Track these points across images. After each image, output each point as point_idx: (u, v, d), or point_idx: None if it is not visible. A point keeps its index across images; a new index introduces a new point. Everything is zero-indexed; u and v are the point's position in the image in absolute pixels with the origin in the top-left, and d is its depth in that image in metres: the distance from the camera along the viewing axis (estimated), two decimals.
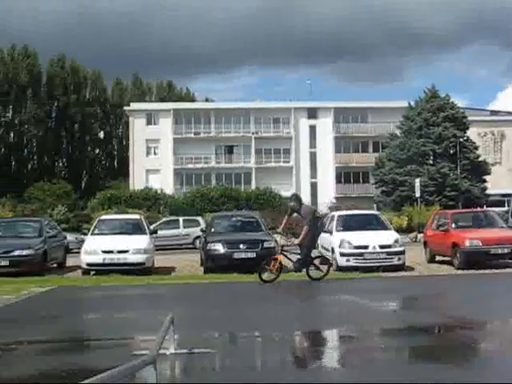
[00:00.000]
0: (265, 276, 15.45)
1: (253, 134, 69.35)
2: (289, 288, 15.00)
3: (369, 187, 65.31)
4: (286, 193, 61.60)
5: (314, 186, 69.28)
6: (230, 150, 70.30)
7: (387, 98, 75.44)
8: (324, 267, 16.26)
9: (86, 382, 2.08)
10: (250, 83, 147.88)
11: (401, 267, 18.86)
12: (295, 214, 16.64)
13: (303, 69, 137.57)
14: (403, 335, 8.88)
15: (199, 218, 38.19)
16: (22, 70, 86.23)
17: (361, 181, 69.09)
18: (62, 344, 8.43)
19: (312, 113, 70.28)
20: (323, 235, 22.04)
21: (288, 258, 16.15)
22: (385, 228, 20.60)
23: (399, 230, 26.91)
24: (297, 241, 15.86)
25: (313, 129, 70.07)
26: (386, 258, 18.89)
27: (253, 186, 63.16)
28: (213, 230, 21.06)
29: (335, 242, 19.60)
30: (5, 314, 11.34)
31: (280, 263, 15.55)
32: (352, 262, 18.91)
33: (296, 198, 16.70)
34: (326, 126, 69.22)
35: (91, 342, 8.61)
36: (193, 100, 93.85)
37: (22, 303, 12.92)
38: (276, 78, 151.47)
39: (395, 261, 18.91)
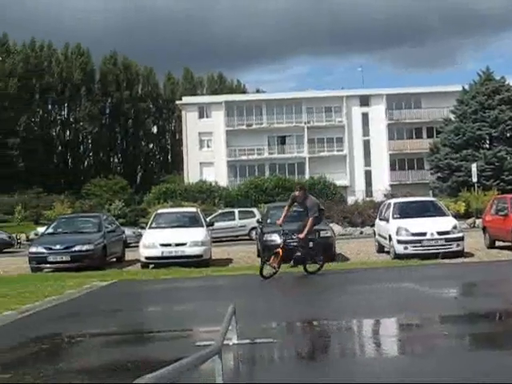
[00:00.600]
0: (265, 272, 14.51)
1: (305, 123, 69.15)
2: (345, 277, 14.94)
3: (424, 174, 64.54)
4: (340, 182, 61.47)
5: (368, 174, 68.79)
6: (282, 140, 70.26)
7: (441, 82, 74.48)
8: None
9: (156, 373, 2.13)
10: (300, 73, 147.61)
11: (460, 253, 18.63)
12: (295, 204, 15.87)
13: (354, 57, 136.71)
14: (465, 322, 8.77)
15: (254, 209, 38.32)
16: (75, 68, 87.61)
17: (415, 167, 68.29)
18: (125, 336, 8.57)
19: (364, 100, 69.71)
20: (380, 223, 21.90)
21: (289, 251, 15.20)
22: (443, 214, 20.34)
23: (457, 216, 26.54)
24: (302, 235, 14.99)
25: (365, 116, 69.51)
26: (444, 245, 18.67)
27: (307, 176, 63.05)
28: (269, 220, 21.07)
29: (392, 229, 19.44)
30: (68, 308, 11.58)
31: (281, 258, 14.74)
32: (410, 250, 18.74)
33: (301, 188, 15.79)
34: (378, 113, 68.59)
35: (153, 334, 8.72)
36: (244, 92, 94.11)
37: (84, 297, 13.17)
38: (327, 67, 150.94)
39: (454, 247, 18.69)
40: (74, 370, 6.53)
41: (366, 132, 69.48)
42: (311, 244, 16.00)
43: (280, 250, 14.72)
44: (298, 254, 15.20)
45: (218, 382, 5.00)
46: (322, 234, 19.28)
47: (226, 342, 6.38)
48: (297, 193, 15.38)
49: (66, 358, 7.15)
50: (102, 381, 6.12)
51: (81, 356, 7.22)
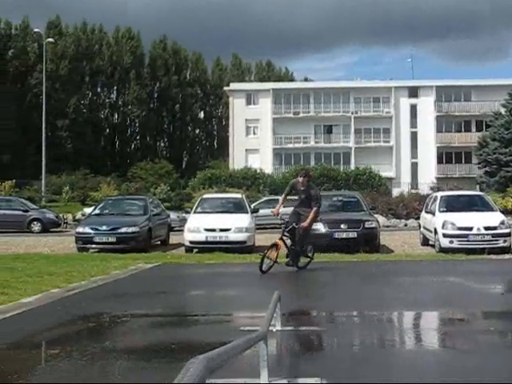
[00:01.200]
0: (264, 266, 13.15)
1: (352, 113, 68.74)
2: (389, 268, 14.85)
3: (471, 168, 63.68)
4: (386, 173, 60.99)
5: (414, 166, 68.12)
6: (329, 129, 69.96)
7: (492, 75, 73.29)
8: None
9: (208, 353, 2.15)
10: (349, 62, 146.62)
11: (507, 250, 18.36)
12: (293, 192, 14.12)
13: (404, 47, 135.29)
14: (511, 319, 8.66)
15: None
16: (125, 52, 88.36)
17: (463, 161, 67.44)
18: (169, 318, 8.66)
19: (413, 92, 68.93)
20: (425, 215, 21.69)
21: (285, 245, 13.80)
22: (490, 209, 20.08)
23: (504, 212, 26.13)
24: (305, 223, 13.30)
25: (413, 108, 68.77)
26: (491, 240, 18.44)
27: (352, 166, 62.72)
28: None
29: (438, 222, 19.25)
30: (114, 288, 11.73)
31: (279, 249, 13.41)
32: (455, 244, 18.55)
33: (307, 174, 13.94)
34: (427, 105, 67.81)
35: (197, 317, 8.79)
36: (292, 80, 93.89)
37: (129, 278, 13.34)
38: (376, 57, 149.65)
39: (501, 243, 18.44)
40: (119, 349, 6.63)
41: (413, 124, 68.76)
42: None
43: (279, 242, 13.39)
44: (294, 246, 13.65)
45: (263, 366, 5.03)
46: (367, 224, 19.20)
47: (270, 328, 6.41)
48: (300, 179, 13.61)
49: (111, 337, 7.26)
50: (146, 361, 6.20)
51: (126, 336, 7.33)
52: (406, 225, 36.04)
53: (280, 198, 14.57)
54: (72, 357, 6.28)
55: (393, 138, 68.36)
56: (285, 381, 5.16)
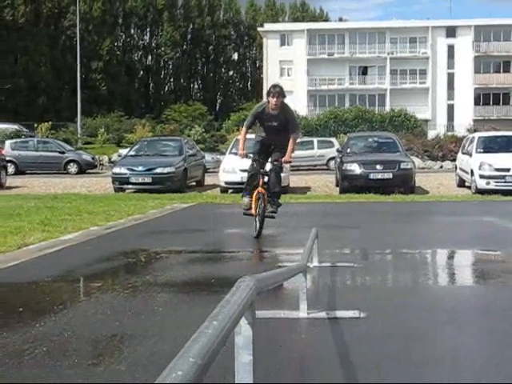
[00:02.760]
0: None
1: (388, 54, 67.70)
2: (424, 209, 14.83)
3: (509, 109, 62.73)
4: (421, 115, 60.29)
5: (450, 108, 67.21)
6: (364, 70, 69.10)
7: None
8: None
9: (254, 276, 2.21)
10: (385, 2, 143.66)
11: None
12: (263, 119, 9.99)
13: None
14: None
15: (333, 139, 38.15)
16: None
17: (501, 103, 66.30)
18: (207, 254, 8.80)
19: (450, 31, 67.53)
20: (462, 157, 21.51)
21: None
22: None
23: None
24: (286, 156, 9.88)
25: (451, 48, 67.47)
26: None
27: (387, 108, 62.06)
28: (349, 150, 21.00)
29: (475, 163, 19.10)
30: (152, 226, 11.92)
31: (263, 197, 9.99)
32: (492, 185, 18.42)
33: (280, 93, 9.61)
34: (465, 45, 66.47)
35: (235, 253, 8.92)
36: (326, 20, 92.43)
37: (166, 217, 13.53)
38: None
39: None
40: (159, 282, 6.77)
41: (450, 65, 67.55)
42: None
43: (261, 189, 9.88)
44: (271, 198, 10.12)
45: (302, 298, 5.12)
46: (403, 165, 19.13)
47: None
48: (274, 100, 9.55)
49: (151, 272, 7.40)
50: (186, 294, 6.34)
51: (165, 270, 7.47)
52: (441, 167, 35.84)
53: (240, 136, 10.68)
54: (114, 290, 6.44)
55: (429, 79, 67.34)
56: (323, 313, 5.24)
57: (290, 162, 10.18)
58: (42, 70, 74.68)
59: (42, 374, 4.04)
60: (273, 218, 10.11)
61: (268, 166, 10.05)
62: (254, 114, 10.00)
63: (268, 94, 9.73)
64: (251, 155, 10.13)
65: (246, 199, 10.24)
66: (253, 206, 9.92)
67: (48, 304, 5.93)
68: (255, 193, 9.88)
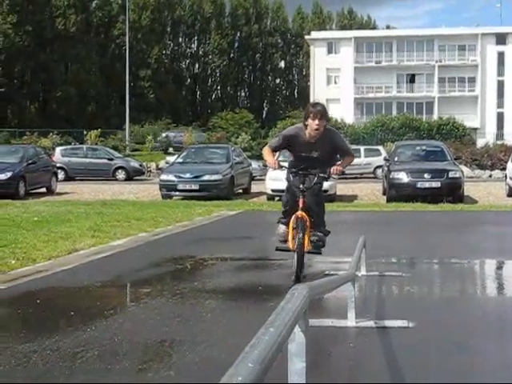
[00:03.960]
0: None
1: (436, 61, 67.06)
2: (474, 218, 14.63)
3: None
4: (470, 123, 59.48)
5: (500, 117, 66.21)
6: (412, 78, 68.56)
7: None
8: None
9: (307, 283, 2.23)
10: (434, 9, 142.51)
11: None
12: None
13: None
14: None
15: (380, 148, 37.91)
16: (206, 1, 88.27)
17: None
18: (255, 262, 8.84)
19: (501, 38, 66.57)
20: (510, 165, 21.20)
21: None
22: None
23: None
24: (340, 166, 7.32)
25: (501, 55, 66.51)
26: None
27: (435, 116, 61.38)
28: (396, 158, 20.86)
29: None
30: (199, 233, 12.00)
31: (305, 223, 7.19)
32: None
33: (324, 113, 7.13)
34: None
35: (282, 261, 8.92)
36: (374, 27, 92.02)
37: (213, 224, 13.60)
38: (463, 3, 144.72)
39: None
40: (207, 289, 6.82)
41: (500, 72, 66.59)
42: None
43: (300, 214, 7.08)
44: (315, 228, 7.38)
45: (351, 307, 5.11)
46: (451, 174, 18.92)
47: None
48: (315, 123, 7.00)
49: (199, 278, 7.47)
50: (234, 301, 6.38)
51: (213, 277, 7.52)
52: (490, 176, 35.32)
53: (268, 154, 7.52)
54: (163, 296, 6.51)
55: (478, 86, 66.47)
56: (371, 322, 5.23)
57: (342, 171, 7.41)
58: (91, 78, 75.85)
59: (94, 377, 4.11)
60: (319, 253, 7.37)
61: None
62: (286, 137, 7.27)
63: (307, 115, 6.95)
64: (286, 165, 7.47)
65: (280, 227, 7.45)
66: (289, 236, 7.16)
67: (98, 309, 6.03)
68: (292, 218, 7.07)
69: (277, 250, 7.40)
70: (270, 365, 1.44)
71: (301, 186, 6.97)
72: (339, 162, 7.36)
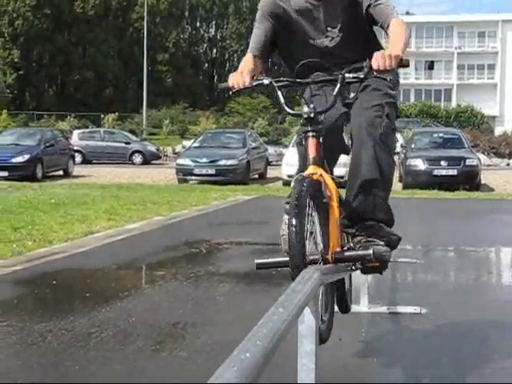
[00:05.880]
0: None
1: (455, 48, 66.56)
2: (490, 207, 14.57)
3: None
4: (488, 111, 59.10)
5: None
6: (430, 65, 68.12)
7: None
8: None
9: (317, 266, 2.26)
10: None
11: None
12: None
13: None
14: None
15: (398, 135, 37.71)
16: None
17: None
18: (269, 246, 8.84)
19: None
20: None
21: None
22: None
23: None
24: (396, 49, 3.53)
25: None
26: None
27: (453, 104, 61.05)
28: (413, 145, 20.81)
29: None
30: (215, 217, 12.04)
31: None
32: None
33: None
34: None
35: None
36: None
37: (229, 209, 13.64)
38: None
39: None
40: (222, 272, 6.87)
41: None
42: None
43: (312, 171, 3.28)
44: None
45: (363, 292, 5.14)
46: (468, 162, 18.86)
47: None
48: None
49: (214, 262, 7.52)
50: (247, 284, 6.42)
51: (228, 261, 7.57)
52: (508, 164, 35.13)
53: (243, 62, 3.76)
54: (177, 278, 6.56)
55: (498, 74, 65.94)
56: (384, 308, 5.25)
57: (398, 60, 3.44)
58: (109, 61, 75.94)
59: (108, 356, 4.17)
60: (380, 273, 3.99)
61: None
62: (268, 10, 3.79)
63: None
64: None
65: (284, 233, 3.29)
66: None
67: (113, 290, 6.10)
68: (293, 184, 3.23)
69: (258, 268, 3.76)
70: (278, 344, 1.47)
71: (306, 108, 3.29)
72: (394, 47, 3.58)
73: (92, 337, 4.53)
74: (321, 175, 3.19)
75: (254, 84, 3.46)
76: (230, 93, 3.56)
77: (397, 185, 20.54)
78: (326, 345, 3.20)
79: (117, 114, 53.08)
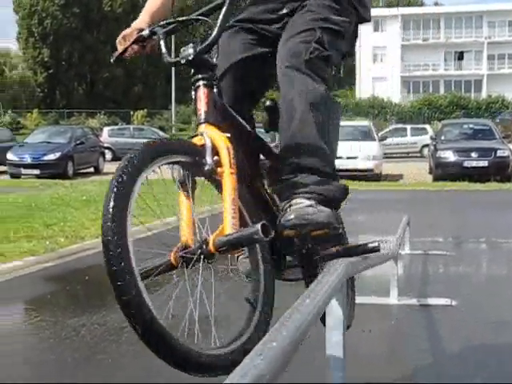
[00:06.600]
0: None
1: (485, 38, 65.76)
2: None
3: None
4: None
5: None
6: (460, 56, 67.42)
7: None
8: None
9: (344, 259, 2.27)
10: None
11: None
12: None
13: None
14: None
15: (427, 126, 37.49)
16: None
17: None
18: None
19: None
20: None
21: None
22: None
23: None
24: None
25: None
26: None
27: (483, 95, 60.38)
28: (443, 137, 20.65)
29: None
30: None
31: None
32: None
33: None
34: None
35: None
36: (421, 4, 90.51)
37: None
38: None
39: None
40: None
41: None
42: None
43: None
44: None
45: (393, 285, 5.14)
46: (499, 153, 18.66)
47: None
48: None
49: None
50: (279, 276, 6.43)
51: None
52: None
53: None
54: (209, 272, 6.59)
55: None
56: (414, 300, 5.24)
57: None
58: (138, 58, 76.35)
59: (139, 350, 4.22)
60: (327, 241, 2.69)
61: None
62: None
63: None
64: None
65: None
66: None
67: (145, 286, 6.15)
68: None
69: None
70: (304, 334, 1.49)
71: (184, 51, 2.40)
72: None
73: (124, 331, 4.58)
74: (206, 133, 2.19)
75: (131, 42, 2.57)
76: (111, 60, 2.75)
77: (427, 177, 20.44)
78: (356, 336, 3.21)
79: (146, 110, 53.39)
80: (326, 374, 2.07)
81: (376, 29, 67.75)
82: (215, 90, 2.33)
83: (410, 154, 34.76)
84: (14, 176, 22.35)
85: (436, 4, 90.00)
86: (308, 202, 2.34)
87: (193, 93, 2.37)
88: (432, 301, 5.23)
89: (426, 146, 29.37)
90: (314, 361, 2.96)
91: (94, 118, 49.49)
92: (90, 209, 11.51)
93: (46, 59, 70.57)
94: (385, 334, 4.58)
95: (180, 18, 2.56)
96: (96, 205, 12.07)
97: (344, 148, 19.97)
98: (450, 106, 50.98)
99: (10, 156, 22.87)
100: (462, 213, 11.83)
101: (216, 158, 2.14)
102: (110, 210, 1.88)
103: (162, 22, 2.52)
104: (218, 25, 2.33)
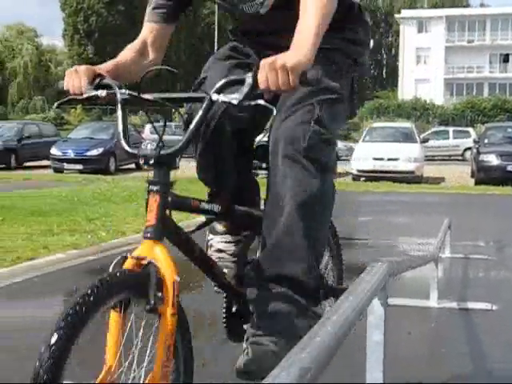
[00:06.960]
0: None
1: None
2: None
3: None
4: None
5: None
6: (505, 58, 66.52)
7: None
8: None
9: (386, 259, 2.28)
10: None
11: None
12: None
13: None
14: None
15: (470, 129, 37.10)
16: None
17: None
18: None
19: None
20: None
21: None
22: None
23: None
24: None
25: None
26: None
27: None
28: (486, 140, 20.44)
29: None
30: None
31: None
32: None
33: None
34: None
35: (365, 241, 8.95)
36: (467, 5, 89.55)
37: None
38: None
39: None
40: None
41: None
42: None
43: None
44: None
45: (433, 287, 5.11)
46: None
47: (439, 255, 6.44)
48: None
49: None
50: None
51: None
52: None
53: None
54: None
55: None
56: (454, 304, 5.21)
57: (306, 79, 1.99)
58: (181, 57, 76.90)
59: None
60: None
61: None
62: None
63: None
64: None
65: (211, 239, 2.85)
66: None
67: (185, 281, 6.19)
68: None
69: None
70: (348, 330, 1.51)
71: (144, 147, 2.29)
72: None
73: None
74: (152, 262, 2.02)
75: (85, 95, 2.45)
76: (55, 105, 2.56)
77: (469, 181, 20.25)
78: (396, 338, 3.21)
79: None
80: (364, 374, 2.09)
81: (420, 30, 67.25)
82: (169, 199, 2.18)
83: (452, 157, 34.47)
84: (57, 170, 22.71)
85: (482, 5, 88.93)
86: (272, 347, 2.23)
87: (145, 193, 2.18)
88: (472, 305, 5.19)
89: (469, 149, 29.11)
90: (353, 359, 2.97)
91: (136, 115, 49.91)
92: (132, 204, 11.64)
93: (90, 56, 71.47)
94: (424, 336, 4.56)
95: (145, 96, 2.36)
96: (137, 200, 12.22)
97: (385, 149, 19.92)
98: (494, 109, 50.35)
99: (53, 151, 23.24)
100: (505, 217, 11.69)
101: (160, 294, 1.96)
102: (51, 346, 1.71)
103: (123, 90, 2.36)
104: (187, 135, 2.23)
